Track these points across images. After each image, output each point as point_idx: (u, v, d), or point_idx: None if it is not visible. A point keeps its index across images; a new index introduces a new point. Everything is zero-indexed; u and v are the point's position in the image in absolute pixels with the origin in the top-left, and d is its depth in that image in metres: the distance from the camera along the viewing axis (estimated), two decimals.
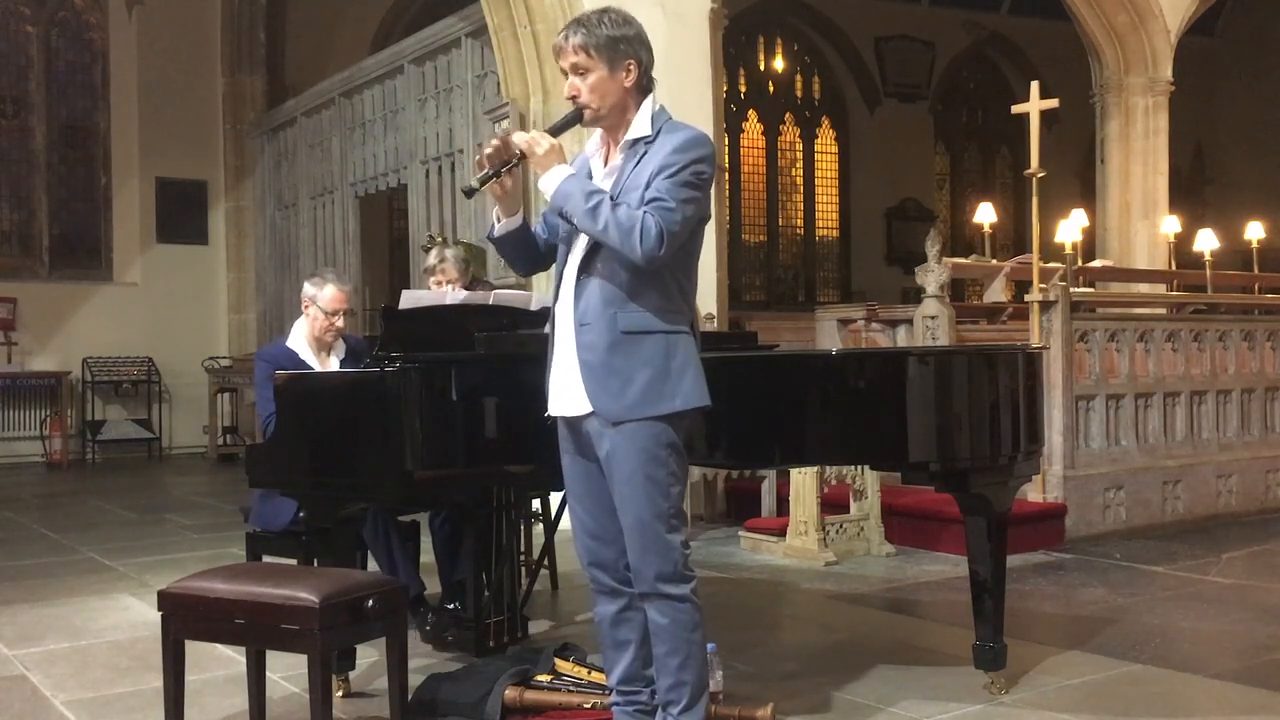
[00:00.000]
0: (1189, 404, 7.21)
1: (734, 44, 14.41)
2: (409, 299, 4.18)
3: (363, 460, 3.47)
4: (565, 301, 2.95)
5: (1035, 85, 6.44)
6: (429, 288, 4.84)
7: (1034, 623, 4.68)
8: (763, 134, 15.72)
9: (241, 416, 12.10)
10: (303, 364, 4.43)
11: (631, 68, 2.88)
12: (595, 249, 2.87)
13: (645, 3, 7.33)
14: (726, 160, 12.33)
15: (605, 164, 2.97)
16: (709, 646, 3.39)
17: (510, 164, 2.91)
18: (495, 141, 2.97)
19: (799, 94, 16.01)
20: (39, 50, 12.32)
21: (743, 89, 15.51)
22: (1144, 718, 3.58)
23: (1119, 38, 10.65)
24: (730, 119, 14.37)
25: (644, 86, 2.92)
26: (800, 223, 16.08)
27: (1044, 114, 6.36)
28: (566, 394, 2.95)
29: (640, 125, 2.90)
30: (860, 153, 16.09)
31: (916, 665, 4.08)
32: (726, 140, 11.79)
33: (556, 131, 2.95)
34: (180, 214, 12.63)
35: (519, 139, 2.91)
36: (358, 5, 13.14)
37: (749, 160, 15.66)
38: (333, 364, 4.54)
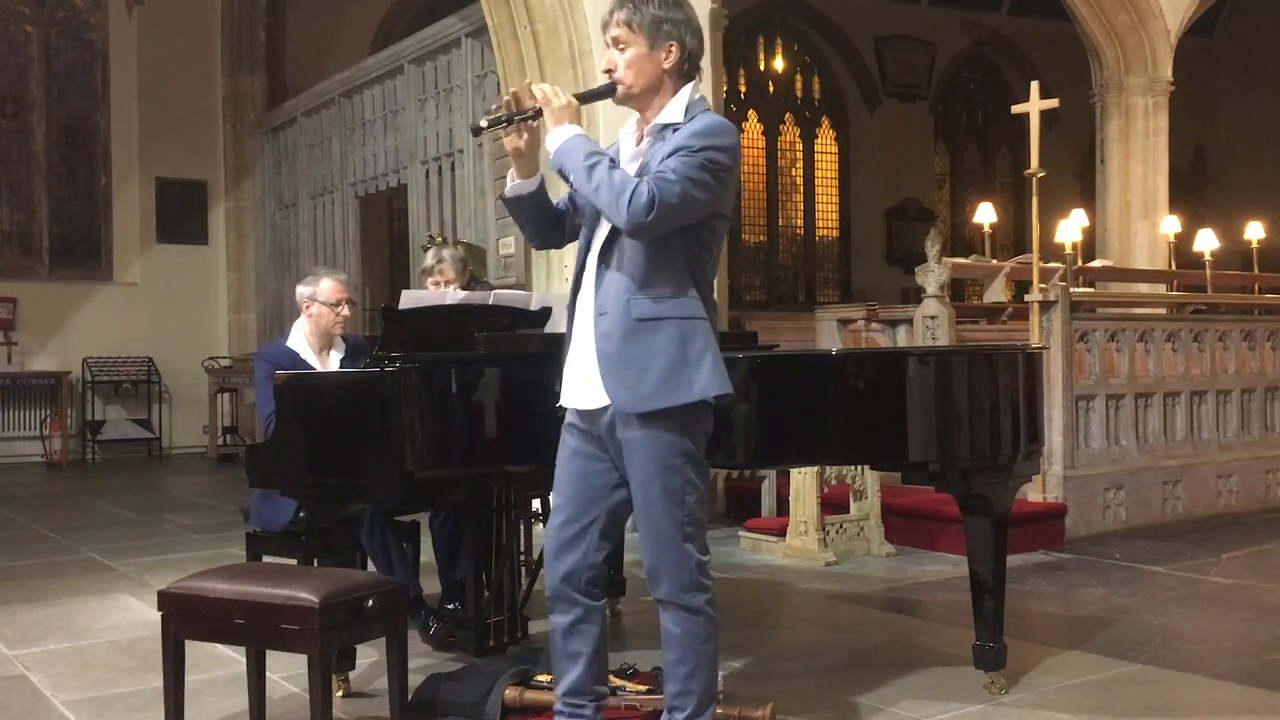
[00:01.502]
0: (1189, 404, 7.21)
1: (734, 44, 14.41)
2: (409, 299, 4.18)
3: (363, 460, 3.47)
4: (586, 290, 2.88)
5: (1035, 85, 6.45)
6: (426, 288, 4.84)
7: (1034, 623, 4.69)
8: (763, 134, 15.72)
9: (241, 416, 12.10)
10: (303, 363, 4.43)
11: (673, 50, 2.82)
12: (614, 236, 2.81)
13: None
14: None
15: (635, 146, 2.90)
16: None
17: (526, 114, 2.84)
18: (515, 89, 2.90)
19: (799, 94, 16.01)
20: (39, 50, 12.32)
21: (743, 89, 15.50)
22: (1144, 718, 3.58)
23: (1119, 38, 10.65)
24: (730, 119, 14.24)
25: (685, 72, 2.86)
26: (800, 223, 16.08)
27: (1044, 114, 6.36)
28: (583, 386, 2.88)
29: (672, 111, 2.83)
30: (860, 153, 16.09)
31: (916, 665, 4.08)
32: None
33: (585, 99, 2.88)
34: (180, 214, 12.63)
35: (539, 89, 2.84)
36: (358, 5, 13.14)
37: (749, 160, 15.64)
38: (333, 362, 4.54)
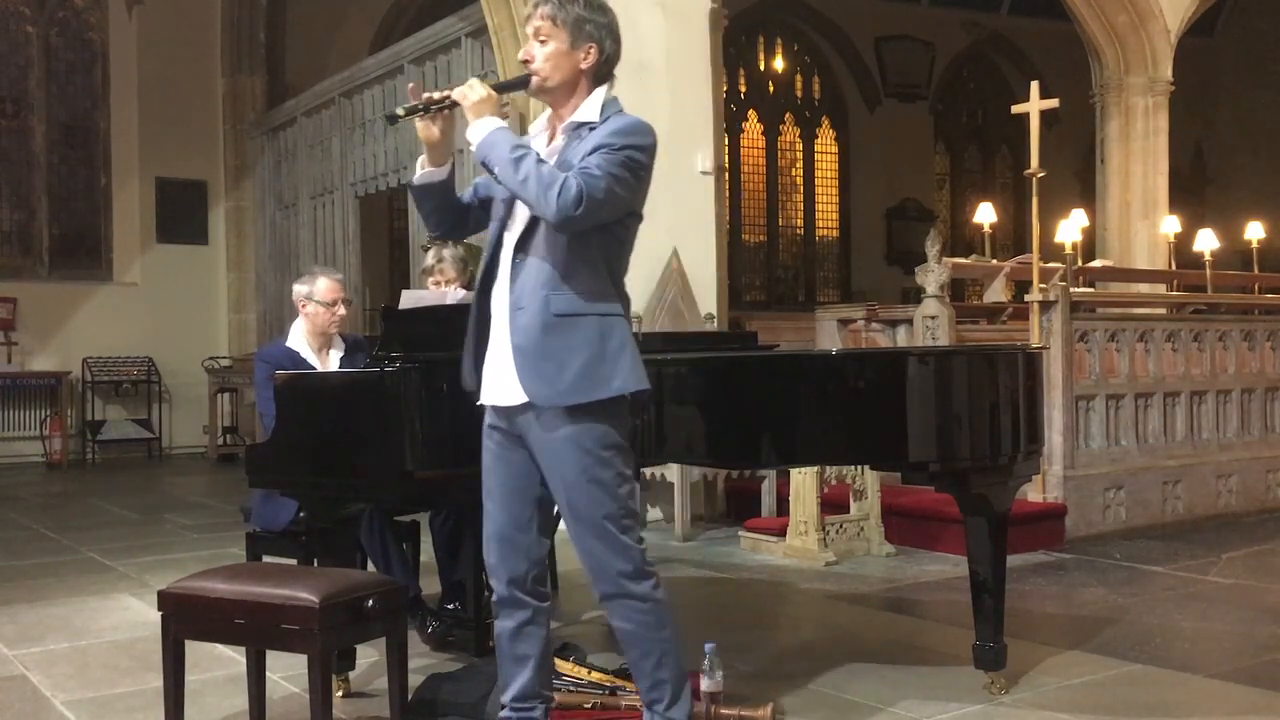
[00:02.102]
0: (1189, 404, 7.21)
1: (734, 44, 14.41)
2: (409, 299, 4.18)
3: (363, 460, 3.47)
4: (501, 284, 2.88)
5: (1035, 85, 6.45)
6: (427, 288, 4.84)
7: (1034, 623, 4.69)
8: (763, 134, 15.72)
9: (241, 416, 12.09)
10: (303, 363, 4.43)
11: (592, 51, 2.84)
12: (531, 230, 2.81)
13: (645, 2, 7.33)
14: (727, 160, 12.37)
15: (548, 144, 2.91)
16: (708, 646, 3.40)
17: (441, 104, 2.85)
18: (411, 85, 2.95)
19: (799, 94, 16.01)
20: (39, 50, 12.31)
21: (743, 89, 15.50)
22: (1144, 718, 3.58)
23: (1119, 38, 10.65)
24: (730, 119, 14.37)
25: (601, 75, 2.88)
26: (800, 223, 16.08)
27: (1044, 114, 6.36)
28: (501, 382, 2.87)
29: (588, 110, 2.85)
30: (860, 153, 16.09)
31: (916, 665, 4.09)
32: (727, 140, 11.86)
33: (500, 90, 2.89)
34: (180, 214, 12.63)
35: (456, 89, 2.85)
36: (358, 5, 13.14)
37: (749, 160, 15.66)
38: (333, 361, 4.54)
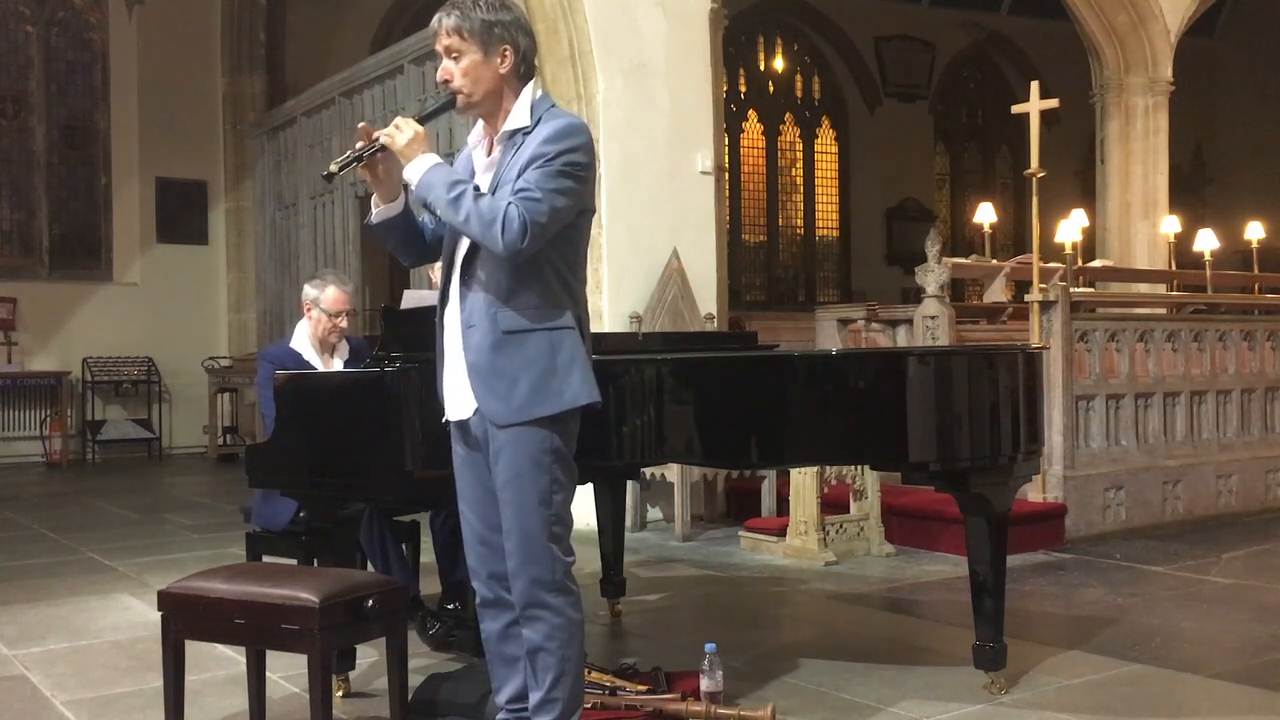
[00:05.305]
0: (1189, 404, 7.21)
1: (734, 44, 14.41)
2: (410, 299, 4.18)
3: (363, 460, 3.47)
4: (453, 303, 2.88)
5: (1035, 85, 6.45)
6: (429, 275, 4.82)
7: (1034, 623, 4.69)
8: (763, 134, 15.73)
9: (241, 416, 12.09)
10: (306, 365, 4.43)
11: (508, 54, 2.79)
12: (477, 247, 2.80)
13: (645, 2, 7.34)
14: (727, 160, 12.36)
15: (488, 155, 2.89)
16: (708, 647, 3.40)
17: (372, 151, 2.81)
18: (363, 125, 2.90)
19: (799, 94, 16.02)
20: (39, 50, 12.31)
21: (743, 89, 15.51)
22: (1144, 718, 3.58)
23: (1119, 38, 10.66)
24: (730, 119, 14.37)
25: (523, 74, 2.83)
26: (800, 223, 16.09)
27: (1044, 114, 6.36)
28: (457, 398, 2.89)
29: (519, 115, 2.82)
30: (860, 153, 16.09)
31: (916, 665, 4.09)
32: (727, 140, 11.85)
33: (427, 119, 2.87)
34: (180, 214, 12.63)
35: (381, 132, 2.81)
36: (358, 5, 13.14)
37: (749, 160, 15.66)
38: (336, 365, 4.54)
